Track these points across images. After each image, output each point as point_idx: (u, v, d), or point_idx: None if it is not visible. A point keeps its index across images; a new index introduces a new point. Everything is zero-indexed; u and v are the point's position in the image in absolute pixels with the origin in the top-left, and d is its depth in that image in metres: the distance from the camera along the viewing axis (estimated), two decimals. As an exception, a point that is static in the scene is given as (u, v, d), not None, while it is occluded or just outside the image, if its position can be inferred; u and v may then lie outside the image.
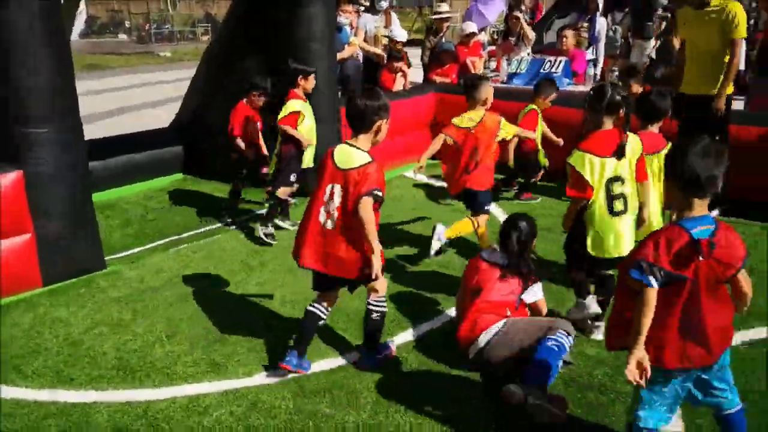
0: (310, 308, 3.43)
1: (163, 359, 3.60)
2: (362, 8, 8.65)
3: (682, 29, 5.63)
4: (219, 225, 5.68)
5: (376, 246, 3.19)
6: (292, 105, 5.21)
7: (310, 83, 5.35)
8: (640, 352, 2.34)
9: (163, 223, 5.76)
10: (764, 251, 4.88)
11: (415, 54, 8.85)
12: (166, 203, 6.31)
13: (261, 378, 3.42)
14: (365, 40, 8.25)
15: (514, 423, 3.03)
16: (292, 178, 5.34)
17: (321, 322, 3.48)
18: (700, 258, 2.29)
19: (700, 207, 2.35)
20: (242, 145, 5.75)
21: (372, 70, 8.14)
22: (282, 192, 5.34)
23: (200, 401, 3.24)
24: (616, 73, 8.98)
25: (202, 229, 5.60)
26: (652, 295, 2.31)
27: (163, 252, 5.11)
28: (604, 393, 3.24)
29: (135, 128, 7.53)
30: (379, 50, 8.28)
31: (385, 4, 8.39)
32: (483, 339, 3.19)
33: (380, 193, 3.19)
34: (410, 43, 9.22)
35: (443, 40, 8.54)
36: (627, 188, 3.55)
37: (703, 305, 2.35)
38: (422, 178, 6.89)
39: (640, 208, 3.70)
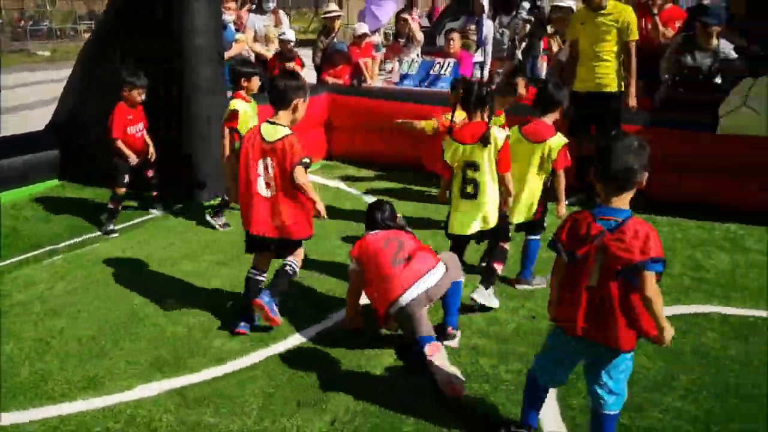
0: (250, 275, 3.85)
1: (31, 379, 3.37)
2: (252, 7, 8.50)
3: (579, 29, 5.85)
4: (98, 234, 5.39)
5: (318, 199, 3.70)
6: (232, 104, 5.23)
7: (254, 83, 5.32)
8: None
9: (37, 233, 5.39)
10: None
11: (307, 55, 8.81)
12: (40, 212, 5.91)
13: (141, 391, 3.28)
14: (255, 40, 8.11)
15: (399, 419, 3.09)
16: None
17: (261, 285, 3.85)
18: (593, 243, 2.45)
19: (618, 200, 2.49)
20: (124, 148, 5.47)
21: (264, 70, 8.01)
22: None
23: (73, 420, 3.06)
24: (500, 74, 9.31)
25: (80, 238, 5.30)
26: (559, 262, 2.65)
27: (35, 264, 4.79)
28: (488, 382, 3.36)
29: (11, 132, 7.04)
30: (264, 50, 8.15)
31: (272, 5, 8.28)
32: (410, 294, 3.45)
33: (308, 160, 3.68)
34: (306, 43, 9.17)
35: (335, 40, 8.53)
36: (482, 175, 3.88)
37: (609, 290, 2.47)
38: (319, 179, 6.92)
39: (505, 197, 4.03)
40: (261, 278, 3.87)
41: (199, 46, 5.98)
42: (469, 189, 3.91)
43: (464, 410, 3.13)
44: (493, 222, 3.97)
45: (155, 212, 5.91)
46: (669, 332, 2.52)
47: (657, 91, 6.33)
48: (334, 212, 5.97)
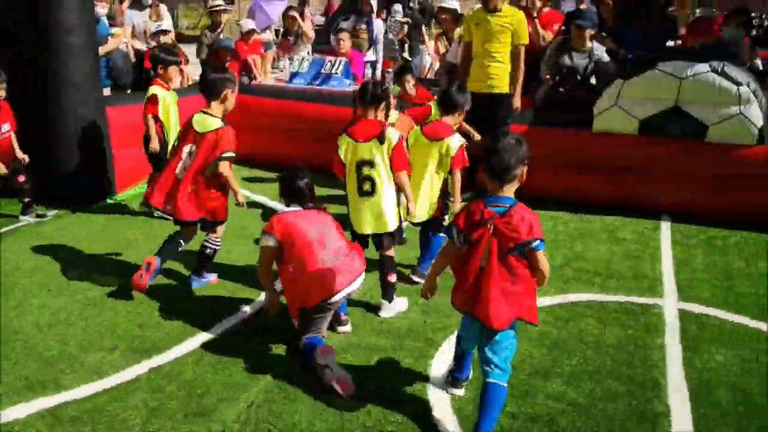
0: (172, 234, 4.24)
1: None
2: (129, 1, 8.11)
3: (473, 30, 5.92)
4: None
5: (239, 190, 4.15)
6: (150, 89, 5.33)
7: (170, 72, 5.46)
8: (427, 284, 3.16)
9: None
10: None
11: (191, 52, 8.52)
12: None
13: (9, 413, 3.02)
14: (134, 36, 7.73)
15: (292, 424, 3.03)
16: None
17: (180, 249, 4.27)
18: (488, 227, 2.77)
19: (504, 190, 2.83)
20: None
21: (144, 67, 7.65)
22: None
23: (-70, 452, 2.78)
24: (391, 73, 9.45)
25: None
26: (448, 248, 2.97)
27: None
28: (381, 379, 3.37)
29: None
30: (143, 46, 7.78)
31: (150, -1, 7.95)
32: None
33: (233, 154, 4.04)
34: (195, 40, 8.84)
35: (221, 36, 8.29)
36: (378, 173, 3.91)
37: (492, 271, 2.77)
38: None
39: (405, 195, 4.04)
40: (182, 242, 4.29)
41: (70, 42, 5.62)
42: (366, 187, 3.92)
43: (359, 410, 3.12)
44: (390, 224, 3.97)
45: (27, 219, 5.49)
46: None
47: (537, 91, 6.64)
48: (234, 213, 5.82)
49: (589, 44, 6.32)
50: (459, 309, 2.98)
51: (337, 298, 3.45)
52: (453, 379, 3.31)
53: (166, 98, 5.33)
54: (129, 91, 7.55)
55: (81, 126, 5.77)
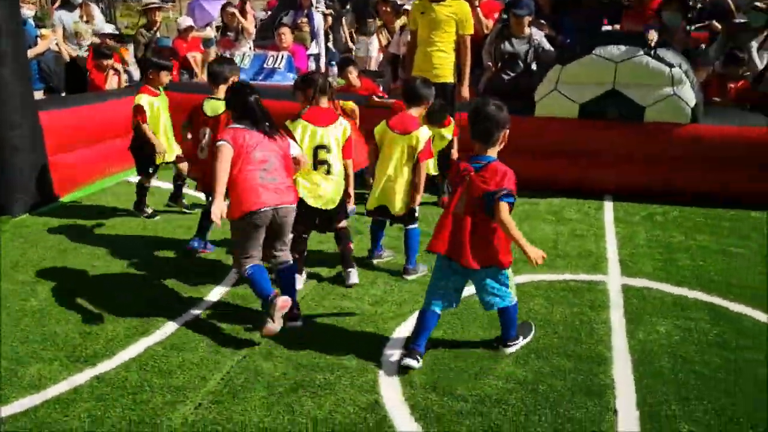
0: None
1: None
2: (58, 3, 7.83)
3: (418, 19, 5.89)
4: None
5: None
6: (136, 98, 5.34)
7: (162, 78, 5.46)
8: None
9: None
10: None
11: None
12: None
13: (-57, 434, 2.90)
14: (65, 38, 7.47)
15: (241, 425, 2.99)
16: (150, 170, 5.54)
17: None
18: (465, 179, 3.19)
19: (488, 150, 3.24)
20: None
21: (77, 69, 7.42)
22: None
23: None
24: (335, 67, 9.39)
25: None
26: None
27: None
28: (332, 371, 3.35)
29: None
30: (72, 49, 7.52)
31: (80, -1, 7.68)
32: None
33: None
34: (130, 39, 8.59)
35: (158, 35, 8.09)
36: (330, 155, 4.10)
37: (466, 219, 3.20)
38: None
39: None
40: None
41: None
42: (323, 170, 4.11)
43: (309, 402, 3.10)
44: (338, 201, 4.18)
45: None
46: (532, 251, 3.23)
47: (480, 79, 6.70)
48: (169, 217, 5.70)
49: (528, 30, 6.41)
50: (434, 253, 3.32)
51: (262, 211, 3.50)
52: (409, 350, 3.40)
53: (154, 104, 5.35)
54: (63, 94, 7.31)
55: (14, 133, 5.54)
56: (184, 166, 5.62)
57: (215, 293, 4.23)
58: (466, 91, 5.99)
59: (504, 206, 3.13)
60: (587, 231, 5.30)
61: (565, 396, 3.14)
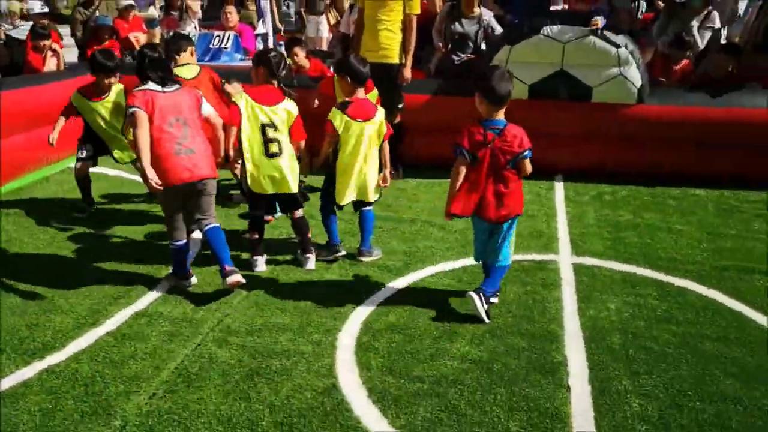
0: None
1: None
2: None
3: None
4: None
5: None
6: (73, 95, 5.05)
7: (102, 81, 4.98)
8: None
9: None
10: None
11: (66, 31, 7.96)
12: None
13: None
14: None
15: (196, 413, 2.95)
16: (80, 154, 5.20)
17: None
18: (487, 146, 3.44)
19: (498, 114, 3.49)
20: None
21: (16, 50, 7.07)
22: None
23: None
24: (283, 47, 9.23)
25: None
26: (462, 162, 3.51)
27: None
28: (289, 357, 3.34)
29: None
30: (5, 29, 7.17)
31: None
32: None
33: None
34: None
35: (97, 13, 7.78)
36: (280, 135, 4.08)
37: (491, 180, 3.50)
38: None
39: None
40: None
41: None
42: (273, 148, 4.07)
43: (265, 389, 3.08)
44: (293, 185, 4.14)
45: None
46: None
47: (430, 59, 6.70)
48: (118, 200, 5.54)
49: (477, 10, 6.42)
50: (460, 216, 3.61)
51: (180, 186, 3.73)
52: (485, 296, 3.66)
53: (92, 107, 5.01)
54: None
55: None
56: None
57: (166, 281, 4.14)
58: (408, 72, 5.85)
59: (528, 162, 3.54)
60: (538, 211, 5.40)
61: (520, 374, 3.21)
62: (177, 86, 3.87)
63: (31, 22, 7.39)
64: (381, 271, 4.30)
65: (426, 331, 3.58)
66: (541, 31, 5.86)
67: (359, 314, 3.77)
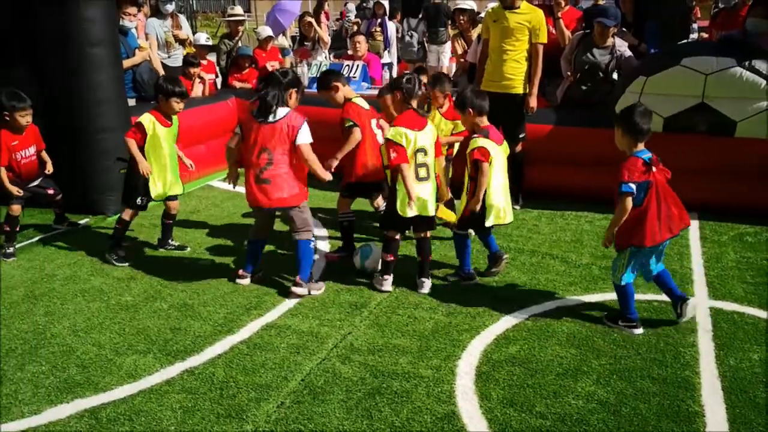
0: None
1: (-76, 413, 3.12)
2: (147, 11, 8.22)
3: (491, 27, 5.83)
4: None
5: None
6: (142, 117, 4.79)
7: (170, 105, 4.79)
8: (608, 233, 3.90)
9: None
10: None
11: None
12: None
13: (50, 414, 3.09)
14: (158, 47, 7.84)
15: (322, 424, 3.06)
16: (138, 201, 4.90)
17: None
18: (653, 168, 3.64)
19: (641, 145, 3.73)
20: (4, 179, 4.93)
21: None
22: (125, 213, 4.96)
23: (-27, 454, 2.86)
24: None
25: (-25, 259, 4.95)
26: (629, 197, 3.65)
27: (-77, 289, 4.43)
28: (408, 380, 3.38)
29: None
30: (164, 57, 7.85)
31: (170, 8, 7.96)
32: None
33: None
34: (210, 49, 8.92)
35: (240, 44, 8.38)
36: (428, 158, 4.28)
37: (664, 198, 3.67)
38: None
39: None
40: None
41: (95, 54, 5.72)
42: (422, 173, 4.24)
43: (386, 409, 3.14)
44: (431, 209, 4.31)
45: (60, 228, 5.60)
46: None
47: (558, 88, 6.60)
48: (250, 219, 5.89)
49: (611, 40, 6.27)
50: (653, 245, 3.71)
51: (256, 207, 4.32)
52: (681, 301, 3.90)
53: (157, 128, 4.77)
54: (153, 102, 7.65)
55: (107, 137, 5.86)
56: (174, 204, 5.11)
57: (293, 295, 4.34)
58: (534, 101, 5.86)
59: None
60: (670, 249, 5.12)
61: (650, 421, 3.05)
62: (277, 118, 4.13)
63: (183, 51, 8.07)
64: (500, 302, 4.26)
65: (548, 367, 3.50)
66: (682, 62, 5.61)
67: (479, 343, 3.76)
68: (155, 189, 4.85)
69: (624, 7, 7.02)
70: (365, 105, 4.90)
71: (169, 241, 5.22)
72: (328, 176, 4.36)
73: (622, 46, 6.32)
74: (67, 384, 3.34)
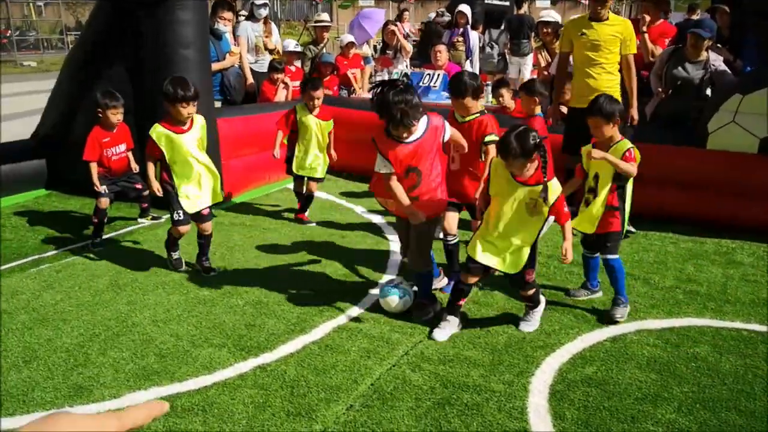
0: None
1: (19, 386, 3.30)
2: (242, 17, 8.48)
3: (576, 40, 5.62)
4: (85, 244, 5.31)
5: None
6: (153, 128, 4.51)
7: (179, 111, 4.40)
8: None
9: (24, 242, 5.32)
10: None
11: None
12: (27, 221, 5.84)
13: (128, 399, 3.21)
14: (248, 50, 8.08)
15: (390, 429, 3.04)
16: (175, 216, 4.61)
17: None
18: None
19: None
20: (94, 173, 5.12)
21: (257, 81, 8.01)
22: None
23: (59, 430, 2.98)
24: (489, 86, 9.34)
25: (67, 248, 5.23)
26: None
27: (21, 273, 4.71)
28: (480, 393, 3.32)
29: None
30: (251, 62, 8.07)
31: (264, 12, 8.16)
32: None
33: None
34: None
35: (324, 51, 8.53)
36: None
37: None
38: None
39: None
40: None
41: (186, 57, 5.95)
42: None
43: (456, 420, 3.08)
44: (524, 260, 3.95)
45: (144, 222, 5.85)
46: None
47: (648, 104, 6.37)
48: (331, 225, 5.96)
49: (705, 54, 5.99)
50: None
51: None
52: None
53: (172, 138, 4.45)
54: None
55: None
56: (204, 226, 4.69)
57: (367, 299, 4.36)
58: (635, 112, 5.65)
59: None
60: (762, 277, 4.84)
61: (737, 454, 2.87)
62: (417, 137, 3.76)
63: (269, 57, 8.29)
64: (578, 320, 4.13)
65: (627, 390, 3.35)
66: (783, 80, 5.31)
67: (554, 361, 3.65)
68: (186, 202, 4.54)
69: (720, 20, 6.70)
70: None
71: (203, 259, 4.77)
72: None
73: (717, 60, 6.03)
74: (145, 371, 3.46)
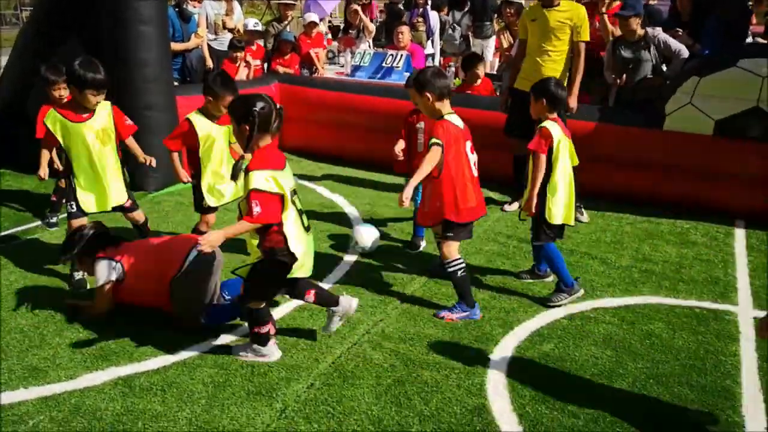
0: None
1: (-33, 370, 3.22)
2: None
3: (529, 26, 5.59)
4: (40, 224, 5.17)
5: None
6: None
7: (87, 98, 3.93)
8: None
9: (-27, 221, 5.16)
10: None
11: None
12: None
13: (86, 380, 3.16)
14: (206, 27, 7.91)
15: (350, 407, 3.05)
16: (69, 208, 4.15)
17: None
18: None
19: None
20: (46, 154, 4.31)
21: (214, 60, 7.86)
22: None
23: (15, 410, 2.93)
24: (453, 68, 9.34)
25: (22, 228, 5.08)
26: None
27: (-29, 253, 4.57)
28: (439, 370, 3.35)
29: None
30: (210, 40, 7.93)
31: (225, -9, 8.06)
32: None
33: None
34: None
35: (287, 29, 8.40)
36: None
37: None
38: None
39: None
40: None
41: (144, 34, 5.80)
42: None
43: (416, 397, 3.11)
44: None
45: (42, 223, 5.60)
46: None
47: (606, 89, 6.45)
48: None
49: (641, 31, 5.99)
50: None
51: None
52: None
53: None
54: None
55: (151, 114, 5.94)
56: (137, 215, 4.38)
57: (330, 277, 4.37)
58: (574, 101, 5.55)
59: None
60: (715, 257, 4.98)
61: (687, 429, 2.96)
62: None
63: (230, 35, 8.13)
64: (535, 299, 4.19)
65: (583, 367, 3.43)
66: (738, 63, 5.42)
67: (512, 338, 3.70)
68: (85, 197, 4.13)
69: (681, 5, 6.79)
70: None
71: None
72: None
73: (657, 32, 6.00)
74: (103, 351, 3.40)
